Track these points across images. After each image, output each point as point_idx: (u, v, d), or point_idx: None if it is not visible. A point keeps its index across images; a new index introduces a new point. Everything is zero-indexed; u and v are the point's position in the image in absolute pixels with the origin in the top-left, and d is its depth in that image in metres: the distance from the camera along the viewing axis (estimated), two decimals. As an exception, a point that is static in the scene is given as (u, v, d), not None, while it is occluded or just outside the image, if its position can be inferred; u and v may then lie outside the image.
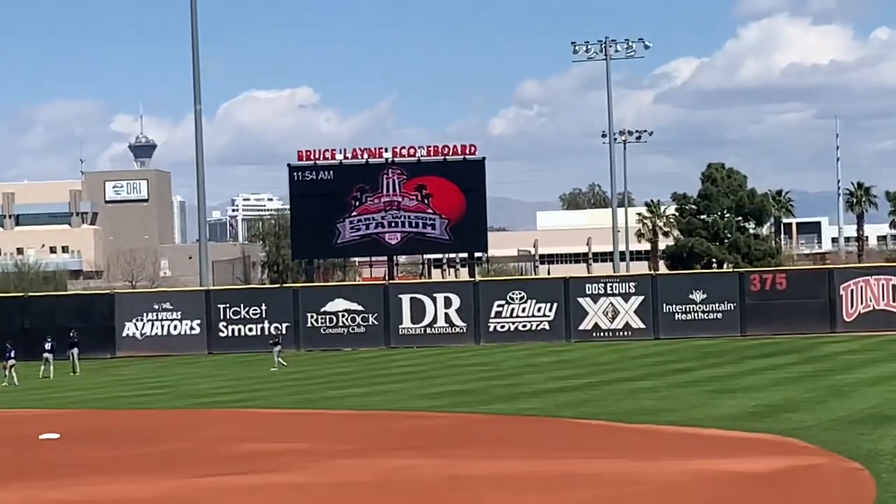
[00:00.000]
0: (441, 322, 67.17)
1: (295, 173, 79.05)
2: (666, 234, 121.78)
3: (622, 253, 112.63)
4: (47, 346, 56.25)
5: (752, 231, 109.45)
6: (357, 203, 78.84)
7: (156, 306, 68.35)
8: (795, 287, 66.13)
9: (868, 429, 27.93)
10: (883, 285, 65.57)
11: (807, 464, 24.26)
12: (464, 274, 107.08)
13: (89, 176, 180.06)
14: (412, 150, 79.69)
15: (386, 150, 79.85)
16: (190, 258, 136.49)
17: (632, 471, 24.09)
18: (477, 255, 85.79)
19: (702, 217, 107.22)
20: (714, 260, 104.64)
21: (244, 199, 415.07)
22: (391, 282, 76.11)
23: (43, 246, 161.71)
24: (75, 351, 58.77)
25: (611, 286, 67.15)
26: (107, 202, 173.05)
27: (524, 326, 66.70)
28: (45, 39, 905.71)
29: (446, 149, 79.46)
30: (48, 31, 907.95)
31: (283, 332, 65.52)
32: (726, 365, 48.47)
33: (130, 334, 67.75)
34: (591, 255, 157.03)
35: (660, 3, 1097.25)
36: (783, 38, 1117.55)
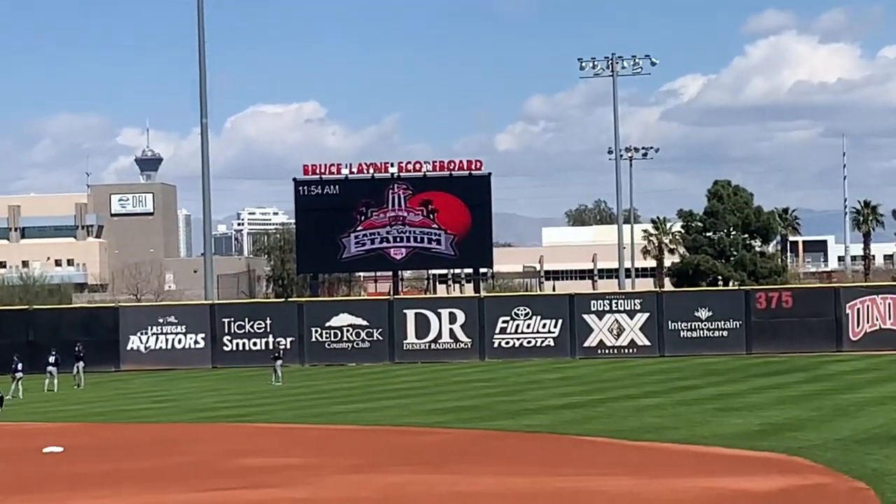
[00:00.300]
0: (446, 338, 67.11)
1: (301, 188, 79.10)
2: (672, 252, 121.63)
3: (628, 270, 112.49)
4: (51, 359, 56.27)
5: (758, 249, 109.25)
6: (362, 218, 78.84)
7: (160, 320, 68.37)
8: (801, 305, 66.04)
9: (874, 448, 27.85)
10: (889, 304, 65.45)
11: (812, 483, 24.18)
12: (469, 290, 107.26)
13: (95, 189, 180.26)
14: (418, 165, 79.69)
15: (392, 165, 79.87)
16: (195, 272, 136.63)
17: (636, 488, 24.02)
18: (482, 270, 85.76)
19: (708, 234, 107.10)
20: (720, 277, 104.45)
21: (250, 213, 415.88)
22: (396, 297, 76.10)
23: (48, 259, 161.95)
24: (81, 364, 58.75)
25: (616, 303, 67.10)
26: (112, 215, 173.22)
27: (529, 343, 66.62)
28: (52, 53, 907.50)
29: (452, 164, 79.45)
30: (55, 45, 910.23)
31: (288, 346, 65.52)
32: (731, 383, 48.38)
33: (135, 348, 67.75)
34: (596, 272, 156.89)
35: (667, 20, 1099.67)
36: (791, 56, 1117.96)
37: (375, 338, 67.21)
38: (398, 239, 78.94)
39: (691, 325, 66.03)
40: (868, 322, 65.29)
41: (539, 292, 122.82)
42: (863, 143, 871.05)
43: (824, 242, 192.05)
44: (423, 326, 67.15)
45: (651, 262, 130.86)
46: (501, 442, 32.50)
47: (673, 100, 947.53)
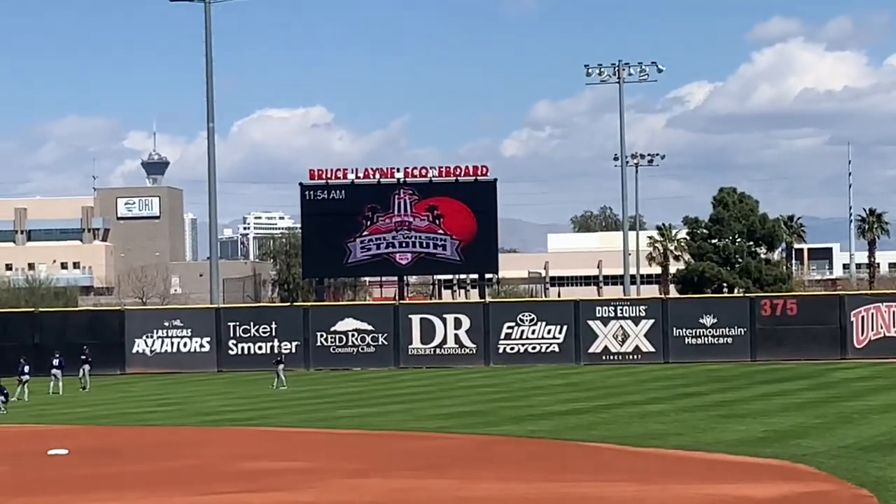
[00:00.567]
0: (451, 343, 67.16)
1: (307, 192, 79.10)
2: (677, 258, 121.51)
3: (633, 276, 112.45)
4: (55, 361, 56.34)
5: (763, 256, 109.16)
6: (368, 223, 78.83)
7: (166, 323, 68.42)
8: (806, 313, 66.03)
9: (877, 456, 27.87)
10: (894, 312, 65.40)
11: (815, 490, 24.21)
12: (474, 295, 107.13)
13: (101, 192, 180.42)
14: (424, 171, 79.68)
15: (398, 171, 79.83)
16: (201, 276, 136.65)
17: (640, 494, 24.05)
18: (487, 276, 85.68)
19: (713, 241, 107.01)
20: (725, 284, 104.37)
21: (256, 218, 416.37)
22: (401, 302, 76.11)
23: (54, 261, 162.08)
24: (87, 367, 58.82)
25: (621, 309, 67.11)
26: (119, 219, 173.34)
27: (534, 348, 66.66)
28: (59, 56, 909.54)
29: (458, 170, 79.43)
30: (62, 48, 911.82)
31: (293, 350, 65.60)
32: (736, 390, 48.38)
33: (140, 351, 67.82)
34: (601, 278, 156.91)
35: (673, 27, 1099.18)
36: (797, 64, 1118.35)
37: (381, 342, 67.26)
38: (404, 244, 78.91)
39: (696, 332, 66.02)
40: (873, 330, 65.27)
41: (544, 298, 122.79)
42: (869, 151, 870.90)
43: (829, 250, 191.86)
44: (428, 332, 67.18)
45: (656, 269, 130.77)
46: (506, 447, 32.53)
47: (679, 107, 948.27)
